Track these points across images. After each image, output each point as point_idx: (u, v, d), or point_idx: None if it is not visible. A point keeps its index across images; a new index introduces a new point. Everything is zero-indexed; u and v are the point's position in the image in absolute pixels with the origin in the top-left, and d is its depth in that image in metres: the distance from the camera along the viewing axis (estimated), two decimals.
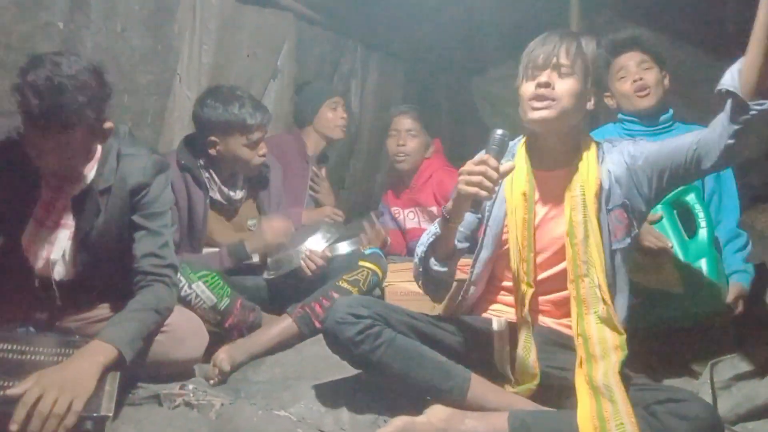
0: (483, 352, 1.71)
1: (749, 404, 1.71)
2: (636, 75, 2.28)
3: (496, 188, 1.61)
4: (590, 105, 1.74)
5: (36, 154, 1.59)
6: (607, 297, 1.63)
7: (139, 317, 1.66)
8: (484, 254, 1.81)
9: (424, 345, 1.69)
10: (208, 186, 2.32)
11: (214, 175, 2.33)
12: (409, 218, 3.22)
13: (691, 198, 2.16)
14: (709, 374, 1.78)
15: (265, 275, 2.38)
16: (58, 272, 1.74)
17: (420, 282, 1.83)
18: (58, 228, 1.72)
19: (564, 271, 1.70)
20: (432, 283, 1.81)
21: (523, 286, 1.69)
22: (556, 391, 1.65)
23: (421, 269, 1.79)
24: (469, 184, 1.56)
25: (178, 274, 2.02)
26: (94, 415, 1.40)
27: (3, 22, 2.10)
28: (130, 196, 1.78)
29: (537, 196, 1.75)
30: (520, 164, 1.77)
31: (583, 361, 1.59)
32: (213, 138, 2.28)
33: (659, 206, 2.14)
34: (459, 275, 1.86)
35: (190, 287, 2.06)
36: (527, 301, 1.68)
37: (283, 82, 3.30)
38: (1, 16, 2.09)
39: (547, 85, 1.68)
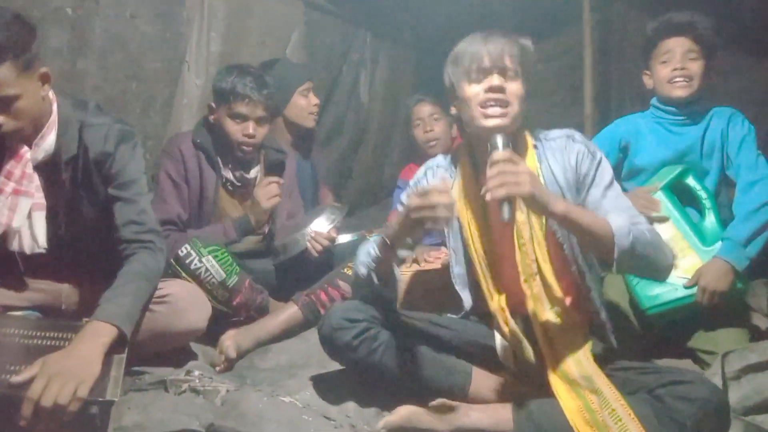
0: (485, 347, 1.70)
1: (758, 397, 1.69)
2: (679, 63, 2.18)
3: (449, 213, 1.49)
4: (525, 105, 1.68)
5: None
6: (558, 293, 1.62)
7: (131, 289, 1.63)
8: (458, 270, 1.78)
9: (423, 344, 1.68)
10: (222, 165, 2.31)
11: (227, 154, 2.32)
12: None
13: (690, 180, 2.13)
14: (720, 365, 1.76)
15: (273, 260, 2.37)
16: (27, 245, 1.71)
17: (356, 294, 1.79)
18: (19, 195, 1.68)
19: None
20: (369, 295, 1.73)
21: (494, 295, 1.67)
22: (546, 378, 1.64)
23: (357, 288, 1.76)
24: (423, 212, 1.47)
25: (188, 247, 2.01)
26: (100, 399, 1.39)
27: (14, 9, 2.10)
28: (95, 167, 1.74)
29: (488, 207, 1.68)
30: (466, 174, 1.73)
31: (551, 361, 1.58)
32: (212, 104, 2.29)
33: (659, 193, 2.12)
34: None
35: (200, 261, 2.06)
36: (504, 307, 1.65)
37: None
38: (12, 2, 2.09)
39: (500, 89, 1.61)
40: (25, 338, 1.58)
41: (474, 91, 1.63)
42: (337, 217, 2.42)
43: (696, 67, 2.19)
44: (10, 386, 1.36)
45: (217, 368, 1.95)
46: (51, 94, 1.70)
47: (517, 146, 1.64)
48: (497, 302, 1.66)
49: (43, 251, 1.72)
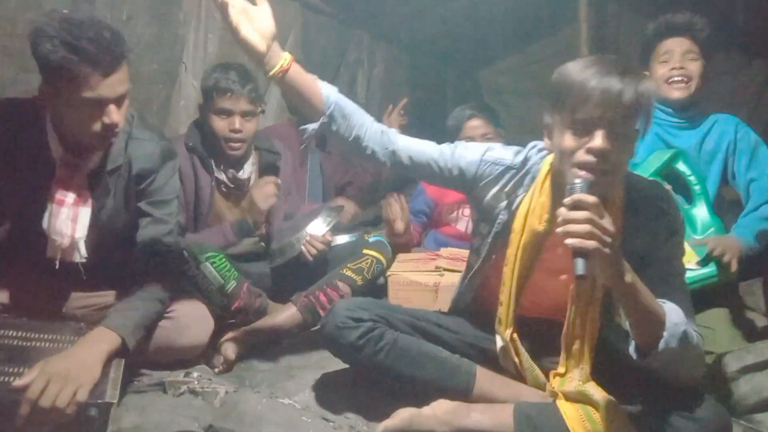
0: (486, 350, 1.70)
1: (756, 396, 1.70)
2: (678, 63, 2.19)
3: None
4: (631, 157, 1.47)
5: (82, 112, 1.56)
6: (589, 358, 1.53)
7: (143, 306, 1.66)
8: (483, 267, 1.69)
9: (427, 343, 1.67)
10: (214, 166, 2.30)
11: (218, 154, 2.31)
12: (446, 212, 2.91)
13: (680, 165, 2.13)
14: (717, 366, 1.77)
15: (270, 263, 2.37)
16: (72, 254, 1.72)
17: None
18: (79, 206, 1.70)
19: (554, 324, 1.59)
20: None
21: (503, 322, 1.62)
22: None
23: None
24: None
25: (186, 255, 2.01)
26: (99, 401, 1.40)
27: (8, 11, 2.10)
28: (135, 181, 1.77)
29: (547, 243, 1.55)
30: (541, 197, 1.54)
31: (562, 380, 1.55)
32: (200, 103, 2.28)
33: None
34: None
35: (198, 267, 2.05)
36: (516, 338, 1.61)
37: None
38: (6, 4, 2.10)
39: (603, 154, 1.35)
40: (22, 340, 1.58)
41: (571, 144, 1.39)
42: (333, 219, 2.41)
43: (695, 67, 2.20)
44: (11, 390, 1.36)
45: (216, 370, 1.95)
46: None
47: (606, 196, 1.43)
48: (508, 334, 1.61)
49: (83, 260, 1.73)
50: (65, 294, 1.83)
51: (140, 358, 1.73)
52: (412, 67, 4.55)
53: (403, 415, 1.56)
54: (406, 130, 3.11)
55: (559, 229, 1.26)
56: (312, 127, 1.60)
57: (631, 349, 1.42)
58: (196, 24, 2.77)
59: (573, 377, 1.53)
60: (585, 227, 1.23)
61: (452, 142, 1.69)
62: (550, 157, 1.54)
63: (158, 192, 1.80)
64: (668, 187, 2.00)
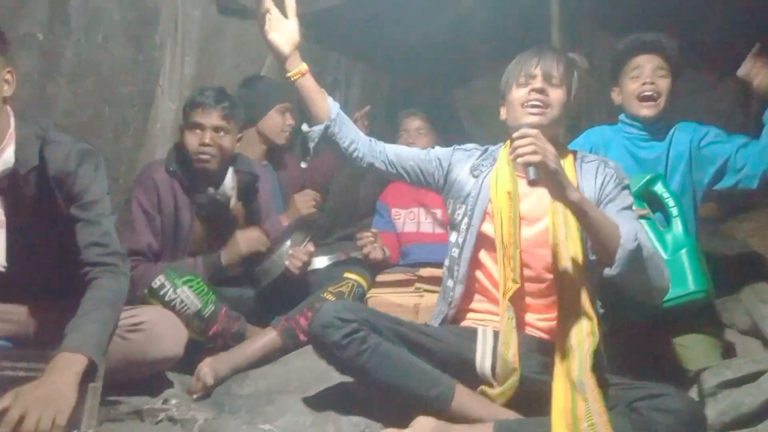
0: (466, 361, 1.72)
1: (734, 412, 1.72)
2: (649, 78, 2.24)
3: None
4: (569, 120, 1.85)
5: None
6: (585, 292, 1.67)
7: (97, 317, 1.59)
8: (466, 253, 1.84)
9: (410, 353, 1.68)
10: (195, 191, 2.28)
11: (198, 178, 2.29)
12: (409, 219, 3.02)
13: (658, 187, 2.16)
14: (697, 381, 1.79)
15: (255, 286, 2.35)
16: None
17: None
18: None
19: (544, 271, 1.76)
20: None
21: (508, 283, 1.71)
22: (537, 399, 1.65)
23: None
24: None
25: (163, 279, 1.98)
26: (75, 431, 1.37)
27: None
28: (56, 184, 1.71)
29: (519, 199, 1.80)
30: (503, 166, 1.84)
31: (563, 355, 1.62)
32: (180, 124, 2.30)
33: None
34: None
35: (174, 292, 2.02)
36: (510, 297, 1.70)
37: None
38: None
39: (542, 91, 1.77)
40: None
41: (519, 93, 1.80)
42: (309, 231, 2.40)
43: (664, 84, 2.25)
44: None
45: (195, 395, 1.92)
46: (9, 109, 1.69)
47: (559, 156, 1.70)
48: (509, 288, 1.70)
49: (2, 269, 1.68)
50: (29, 317, 1.78)
51: (112, 374, 1.64)
52: (389, 88, 4.58)
53: None
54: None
55: (511, 155, 1.60)
56: (318, 128, 1.90)
57: (605, 271, 1.66)
58: (173, 46, 2.75)
59: (574, 361, 1.59)
60: (530, 146, 1.53)
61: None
62: (505, 143, 1.89)
63: (83, 194, 1.73)
64: (645, 211, 2.10)
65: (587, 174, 1.84)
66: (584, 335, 1.63)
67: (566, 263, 1.70)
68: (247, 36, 3.14)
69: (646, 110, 2.25)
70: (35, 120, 1.75)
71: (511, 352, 1.65)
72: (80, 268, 1.69)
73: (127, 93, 2.55)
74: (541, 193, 1.75)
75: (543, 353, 1.71)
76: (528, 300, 1.78)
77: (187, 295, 2.04)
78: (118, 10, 2.48)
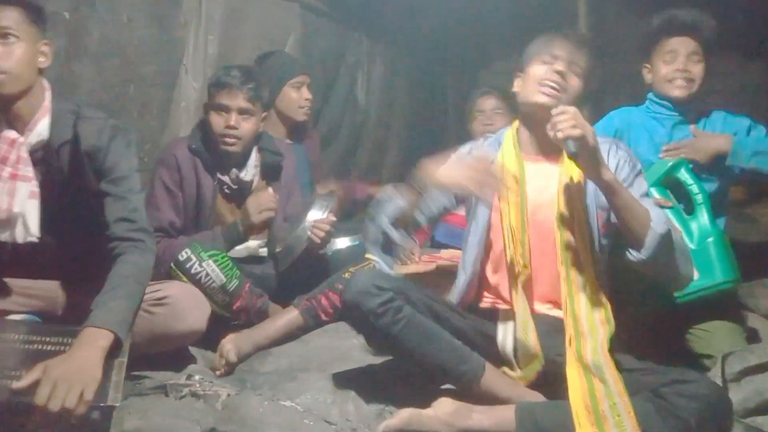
0: (491, 340, 1.72)
1: (758, 398, 1.70)
2: (683, 65, 2.17)
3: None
4: (578, 103, 1.74)
5: None
6: (592, 277, 1.67)
7: (123, 293, 1.61)
8: (474, 239, 1.81)
9: (442, 329, 1.68)
10: (217, 168, 2.29)
11: (221, 157, 2.29)
12: None
13: (682, 173, 2.11)
14: (720, 367, 1.77)
15: (280, 266, 2.34)
16: (20, 233, 1.69)
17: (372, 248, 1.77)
18: (17, 180, 1.67)
19: (554, 255, 1.72)
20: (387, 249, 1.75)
21: (518, 268, 1.70)
22: (561, 381, 1.63)
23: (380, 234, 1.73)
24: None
25: (189, 252, 2.00)
26: (101, 405, 1.40)
27: None
28: (87, 159, 1.73)
29: (527, 181, 1.77)
30: (509, 149, 1.81)
31: (572, 339, 1.61)
32: (205, 102, 2.29)
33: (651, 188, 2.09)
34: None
35: (200, 265, 2.04)
36: (522, 283, 1.70)
37: None
38: None
39: (562, 74, 1.73)
40: (25, 343, 1.58)
41: (539, 70, 1.76)
42: (330, 204, 2.37)
43: (698, 69, 2.18)
44: (12, 392, 1.36)
45: (218, 372, 1.95)
46: (45, 83, 1.73)
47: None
48: (518, 273, 1.70)
49: (35, 240, 1.70)
50: (57, 291, 1.82)
51: (136, 348, 1.67)
52: (412, 69, 4.55)
53: (404, 415, 1.57)
54: (410, 137, 3.10)
55: (549, 130, 1.59)
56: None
57: (628, 254, 1.65)
58: (196, 26, 2.76)
59: (587, 345, 1.58)
60: (570, 120, 1.55)
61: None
62: (514, 123, 1.87)
63: (113, 169, 1.75)
64: (669, 203, 2.07)
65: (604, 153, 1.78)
66: (597, 322, 1.62)
67: (573, 247, 1.69)
68: (270, 16, 3.14)
69: (678, 90, 2.18)
70: (69, 98, 1.80)
71: (530, 337, 1.65)
72: (108, 243, 1.71)
73: (151, 72, 2.57)
74: (548, 175, 1.75)
75: (560, 332, 1.68)
76: (542, 281, 1.75)
77: (213, 268, 2.06)
78: None
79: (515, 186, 1.75)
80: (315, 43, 3.56)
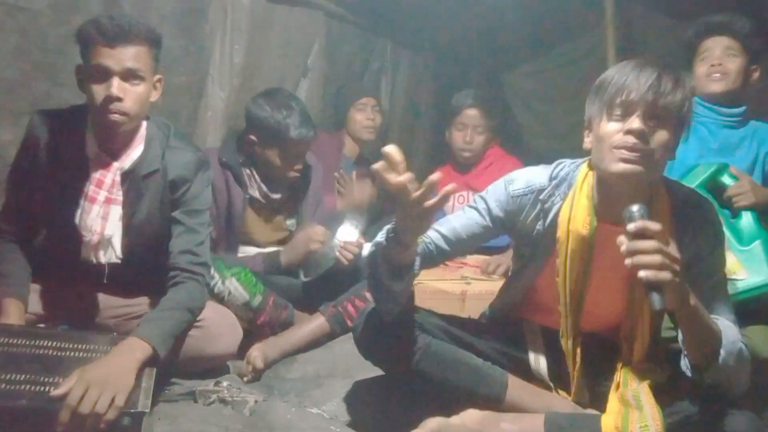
0: (519, 360, 1.69)
1: None
2: (716, 60, 2.20)
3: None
4: (672, 155, 1.46)
5: (100, 89, 1.66)
6: (644, 358, 1.54)
7: (173, 315, 1.68)
8: (531, 273, 1.66)
9: (459, 349, 1.66)
10: (248, 183, 2.33)
11: (254, 173, 2.33)
12: (458, 203, 3.12)
13: (725, 178, 2.09)
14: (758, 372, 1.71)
15: (303, 278, 2.37)
16: (105, 254, 1.77)
17: (372, 293, 1.60)
18: (110, 204, 1.75)
19: (610, 323, 1.62)
20: (384, 299, 1.56)
21: (569, 332, 1.59)
22: (594, 395, 1.62)
23: (372, 281, 1.55)
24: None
25: (212, 270, 2.03)
26: (132, 411, 1.42)
27: (39, 26, 2.14)
28: (170, 188, 1.81)
29: (595, 246, 1.52)
30: (581, 200, 1.53)
31: (620, 386, 1.52)
32: (252, 137, 2.29)
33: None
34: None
35: (223, 283, 2.08)
36: (571, 347, 1.59)
37: (314, 80, 3.30)
38: (38, 20, 2.14)
39: (641, 134, 1.39)
40: (57, 350, 1.60)
41: (610, 129, 1.42)
42: (360, 222, 2.41)
43: (733, 64, 2.20)
44: (50, 400, 1.38)
45: (245, 379, 1.97)
46: None
47: (652, 202, 1.47)
48: (569, 345, 1.59)
49: (118, 262, 1.78)
50: (99, 301, 1.86)
51: (171, 368, 1.76)
52: (435, 74, 4.55)
53: (431, 425, 1.55)
54: (434, 142, 3.11)
55: (627, 261, 1.26)
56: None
57: (684, 365, 1.45)
58: (222, 36, 2.79)
59: (631, 379, 1.51)
60: (656, 258, 1.23)
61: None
62: (586, 163, 1.56)
63: (192, 201, 1.83)
64: None
65: (684, 226, 1.50)
66: (639, 384, 1.49)
67: (637, 337, 1.53)
68: (295, 24, 3.16)
69: (714, 84, 2.21)
70: (160, 122, 1.86)
71: (576, 370, 1.57)
72: (169, 270, 1.78)
73: (178, 82, 2.60)
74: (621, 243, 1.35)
75: (605, 351, 1.61)
76: (599, 313, 1.62)
77: (235, 287, 2.09)
78: (169, 1, 2.53)
79: (582, 246, 1.51)
80: (339, 50, 3.58)
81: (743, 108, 2.25)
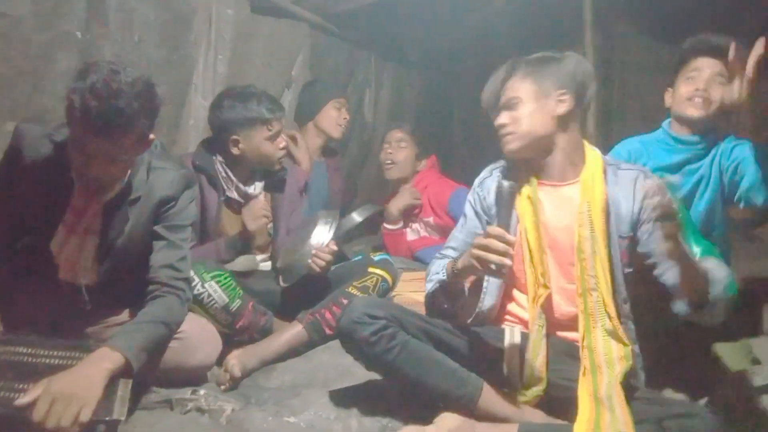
0: (493, 362, 1.71)
1: None
2: (703, 84, 2.07)
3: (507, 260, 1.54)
4: (560, 109, 1.75)
5: (81, 160, 1.59)
6: (612, 311, 1.64)
7: (148, 328, 1.67)
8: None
9: (437, 351, 1.69)
10: (225, 186, 2.33)
11: (231, 174, 2.33)
12: (411, 229, 3.29)
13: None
14: (734, 384, 1.75)
15: (282, 283, 2.36)
16: (81, 276, 1.76)
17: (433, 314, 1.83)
18: (88, 235, 1.73)
19: (571, 285, 1.71)
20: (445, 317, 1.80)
21: (539, 289, 1.69)
22: (565, 404, 1.64)
23: (433, 308, 1.84)
24: (479, 260, 1.55)
25: (192, 273, 2.03)
26: (107, 419, 1.42)
27: (22, 32, 2.14)
28: (156, 208, 1.80)
29: (545, 208, 1.75)
30: (523, 175, 1.80)
31: (587, 371, 1.59)
32: (235, 137, 2.30)
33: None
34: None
35: (202, 286, 2.07)
36: (541, 305, 1.68)
37: (297, 91, 3.32)
38: (21, 25, 2.13)
39: (502, 127, 1.77)
40: (33, 357, 1.59)
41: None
42: (333, 223, 2.39)
43: (718, 93, 2.07)
44: (15, 408, 1.37)
45: (222, 387, 1.96)
46: None
47: (575, 160, 1.77)
48: (539, 294, 1.69)
49: (97, 284, 1.77)
50: (87, 316, 1.83)
51: (149, 379, 1.75)
52: (420, 88, 4.59)
53: None
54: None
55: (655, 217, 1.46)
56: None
57: (679, 308, 1.61)
58: (206, 45, 2.80)
59: (602, 379, 1.56)
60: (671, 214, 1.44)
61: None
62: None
63: (175, 217, 1.83)
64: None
65: (625, 185, 1.74)
66: (615, 358, 1.60)
67: (592, 279, 1.66)
68: (279, 35, 3.18)
69: (693, 109, 2.08)
70: None
71: (539, 360, 1.64)
72: (148, 284, 1.77)
73: (161, 92, 2.60)
74: (563, 198, 1.74)
75: (574, 357, 1.68)
76: (559, 304, 1.74)
77: (214, 289, 2.08)
78: (154, 10, 2.54)
79: (530, 206, 1.73)
80: (324, 62, 3.61)
81: (710, 136, 2.13)
